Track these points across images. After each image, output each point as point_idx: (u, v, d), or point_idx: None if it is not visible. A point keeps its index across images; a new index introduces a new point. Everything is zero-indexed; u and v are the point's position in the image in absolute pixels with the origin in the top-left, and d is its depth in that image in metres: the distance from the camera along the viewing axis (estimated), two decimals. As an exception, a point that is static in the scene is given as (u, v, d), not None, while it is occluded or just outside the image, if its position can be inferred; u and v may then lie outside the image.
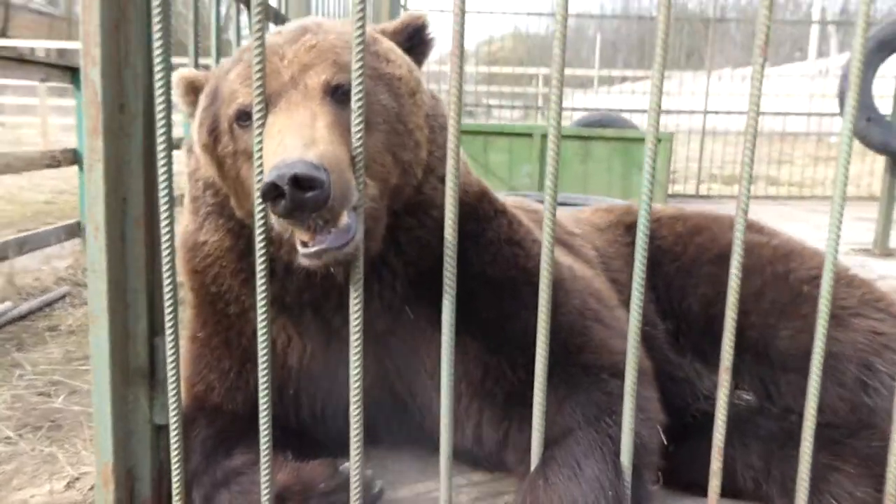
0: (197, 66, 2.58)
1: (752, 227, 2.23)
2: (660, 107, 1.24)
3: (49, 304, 4.43)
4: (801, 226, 8.57)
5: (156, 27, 1.22)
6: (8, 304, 4.13)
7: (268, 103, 1.32)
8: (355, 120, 1.19)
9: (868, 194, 10.80)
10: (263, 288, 1.22)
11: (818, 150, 12.95)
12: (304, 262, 1.32)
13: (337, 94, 1.44)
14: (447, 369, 1.36)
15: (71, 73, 4.86)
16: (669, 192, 9.29)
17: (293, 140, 1.25)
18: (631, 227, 2.30)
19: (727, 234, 2.11)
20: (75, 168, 5.16)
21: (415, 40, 1.73)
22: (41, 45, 16.21)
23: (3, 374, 3.36)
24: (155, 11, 1.23)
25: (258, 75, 1.18)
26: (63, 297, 4.62)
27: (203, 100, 1.63)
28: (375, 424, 1.84)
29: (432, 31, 1.74)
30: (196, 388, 1.77)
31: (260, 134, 1.21)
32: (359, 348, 1.32)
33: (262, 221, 1.20)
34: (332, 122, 1.36)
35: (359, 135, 1.20)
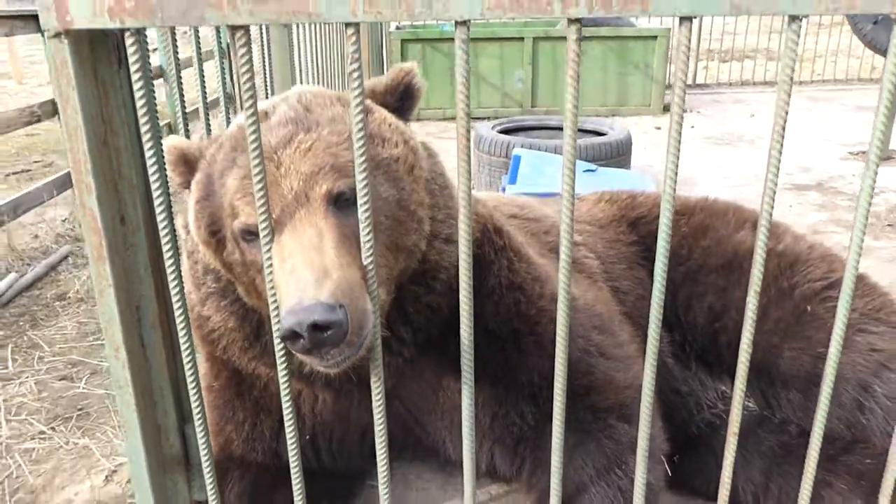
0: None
1: (756, 227, 2.22)
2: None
3: (53, 267, 4.46)
4: (802, 116, 8.36)
5: (143, 121, 1.16)
6: (13, 275, 4.15)
7: (274, 225, 1.29)
8: (364, 235, 1.17)
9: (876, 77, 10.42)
10: (290, 409, 1.25)
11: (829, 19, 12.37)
12: (321, 369, 1.32)
13: (339, 202, 1.38)
14: (468, 414, 1.43)
15: (35, 20, 4.56)
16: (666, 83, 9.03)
17: (305, 273, 1.21)
18: (634, 224, 2.27)
19: (733, 237, 2.10)
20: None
21: (404, 95, 1.61)
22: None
23: (24, 358, 3.46)
24: (142, 123, 1.17)
25: (261, 201, 1.15)
26: (66, 257, 4.63)
27: (196, 190, 1.55)
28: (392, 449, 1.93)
29: (419, 80, 1.61)
30: (219, 438, 1.82)
31: (269, 258, 1.19)
32: (382, 416, 1.38)
33: (282, 352, 1.21)
34: (338, 237, 1.31)
35: (369, 255, 1.18)
